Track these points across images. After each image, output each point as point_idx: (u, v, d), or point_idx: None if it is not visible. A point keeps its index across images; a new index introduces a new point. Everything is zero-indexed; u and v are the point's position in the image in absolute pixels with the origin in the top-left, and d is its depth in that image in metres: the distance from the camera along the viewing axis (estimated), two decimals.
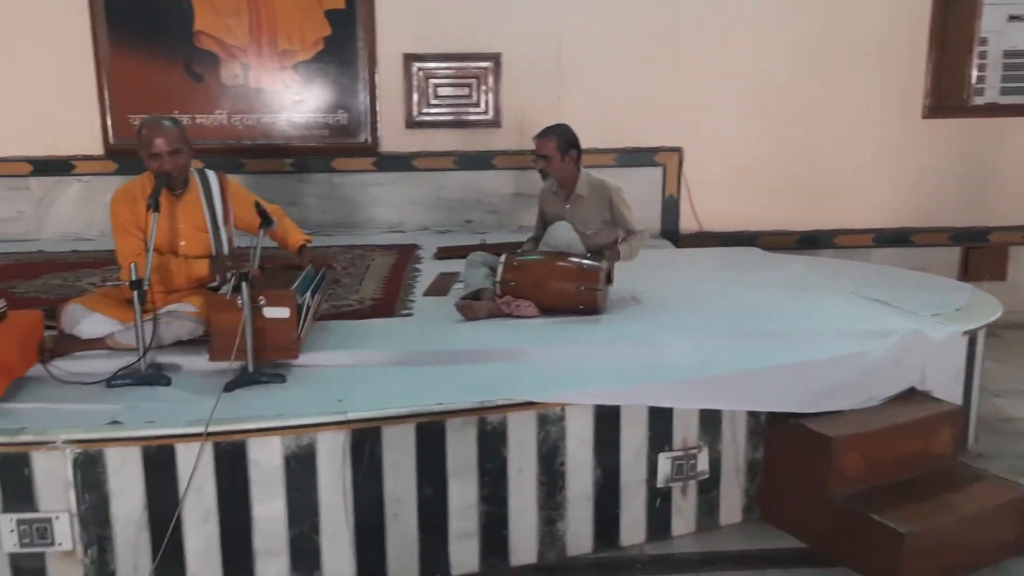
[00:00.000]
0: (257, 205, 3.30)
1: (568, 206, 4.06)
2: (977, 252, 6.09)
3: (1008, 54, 5.88)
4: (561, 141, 3.98)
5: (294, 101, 5.90)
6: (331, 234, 5.86)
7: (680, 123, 5.88)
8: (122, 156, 5.66)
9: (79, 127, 5.74)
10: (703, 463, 3.14)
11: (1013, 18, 5.84)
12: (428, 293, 4.20)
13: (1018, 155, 6.06)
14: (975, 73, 5.83)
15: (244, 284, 2.88)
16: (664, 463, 3.08)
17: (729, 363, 3.15)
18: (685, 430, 3.10)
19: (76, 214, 5.82)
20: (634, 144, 5.90)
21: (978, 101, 5.91)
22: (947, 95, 5.93)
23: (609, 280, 3.74)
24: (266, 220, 3.28)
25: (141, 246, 3.20)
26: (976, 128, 5.99)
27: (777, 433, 3.18)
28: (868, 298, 3.97)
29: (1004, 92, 5.93)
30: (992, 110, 5.94)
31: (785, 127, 5.92)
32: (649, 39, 5.80)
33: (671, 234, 5.98)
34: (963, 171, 6.05)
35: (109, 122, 5.79)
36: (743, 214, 5.94)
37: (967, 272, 6.00)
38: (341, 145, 5.94)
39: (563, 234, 3.84)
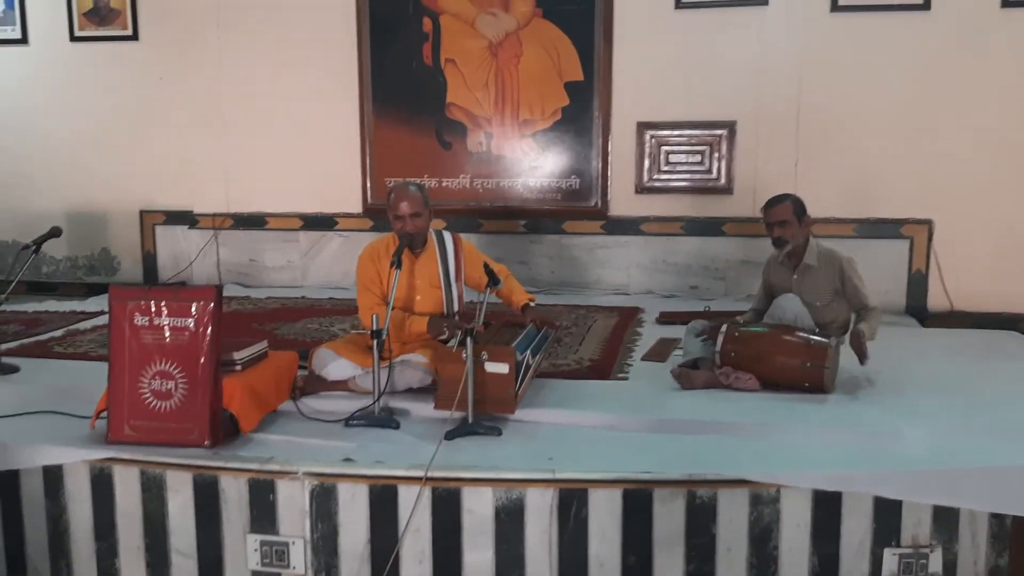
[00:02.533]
0: (486, 265, 3.51)
1: (796, 277, 3.92)
2: None
3: None
4: (795, 205, 3.88)
5: (531, 167, 6.21)
6: (558, 293, 6.05)
7: (930, 192, 5.51)
8: (377, 215, 6.23)
9: (343, 188, 6.41)
10: (936, 564, 2.86)
11: None
12: (646, 358, 4.20)
13: None
14: None
15: (469, 339, 3.06)
16: (890, 559, 2.84)
17: (971, 457, 2.86)
18: (915, 526, 2.84)
19: (335, 265, 6.46)
20: (878, 215, 5.60)
21: None
22: None
23: (862, 358, 3.58)
24: (493, 279, 3.48)
25: (377, 301, 3.52)
26: None
27: None
28: None
29: None
30: None
31: None
32: (896, 102, 5.53)
33: (917, 311, 5.55)
34: None
35: (368, 184, 6.40)
36: (1002, 293, 5.40)
37: None
38: (572, 208, 6.16)
39: (791, 306, 3.71)
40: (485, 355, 3.05)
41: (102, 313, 5.24)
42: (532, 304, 3.83)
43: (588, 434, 3.16)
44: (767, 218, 3.94)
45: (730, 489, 2.80)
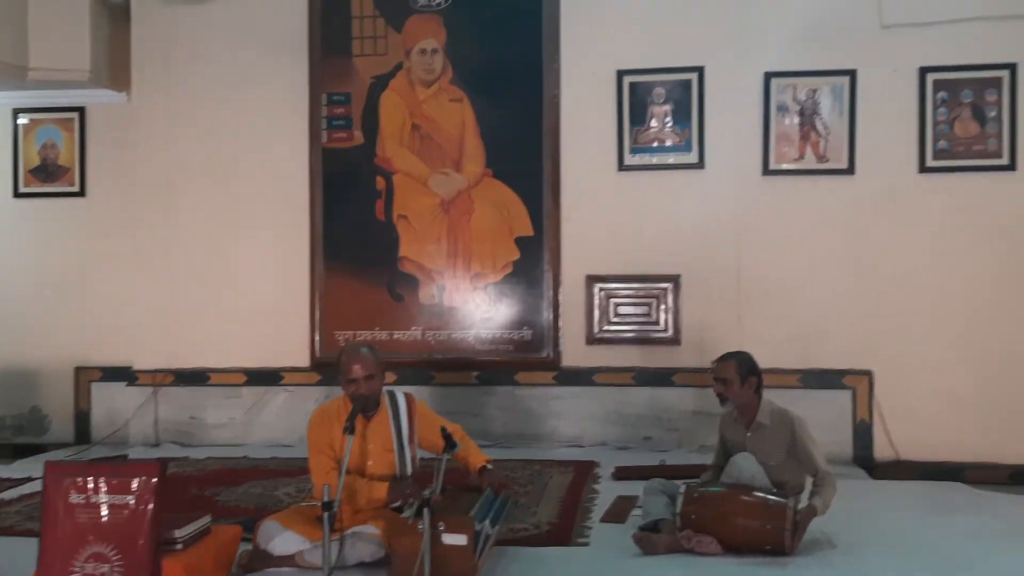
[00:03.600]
0: (443, 430, 3.44)
1: (749, 434, 3.92)
2: None
3: None
4: (741, 366, 3.91)
5: (483, 318, 6.25)
6: (511, 446, 5.95)
7: (871, 344, 5.67)
8: (325, 369, 6.13)
9: (291, 341, 6.32)
10: None
11: None
12: (605, 519, 4.11)
13: None
14: None
15: (426, 510, 2.95)
16: None
17: None
18: None
19: (280, 422, 6.27)
20: (820, 365, 5.72)
21: None
22: None
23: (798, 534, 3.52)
24: (450, 444, 3.40)
25: (331, 464, 3.40)
26: None
27: None
28: None
29: None
30: None
31: (987, 348, 5.56)
32: (832, 262, 5.76)
33: (864, 461, 5.59)
34: None
35: (318, 338, 6.33)
36: (946, 442, 5.46)
37: None
38: (525, 360, 6.16)
39: (747, 466, 3.68)
40: (443, 526, 2.94)
41: (30, 479, 4.97)
42: (489, 467, 3.73)
43: None
44: (713, 373, 3.99)
45: None
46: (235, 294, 6.37)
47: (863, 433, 5.67)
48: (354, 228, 6.33)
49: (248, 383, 6.37)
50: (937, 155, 5.68)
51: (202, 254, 6.41)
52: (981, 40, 5.63)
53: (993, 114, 5.64)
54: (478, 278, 6.26)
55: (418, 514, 2.97)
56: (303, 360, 6.34)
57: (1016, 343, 5.55)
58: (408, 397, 3.71)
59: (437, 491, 3.13)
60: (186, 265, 6.41)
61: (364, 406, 3.50)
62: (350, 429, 3.30)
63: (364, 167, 6.33)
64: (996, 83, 5.63)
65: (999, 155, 5.62)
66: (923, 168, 5.71)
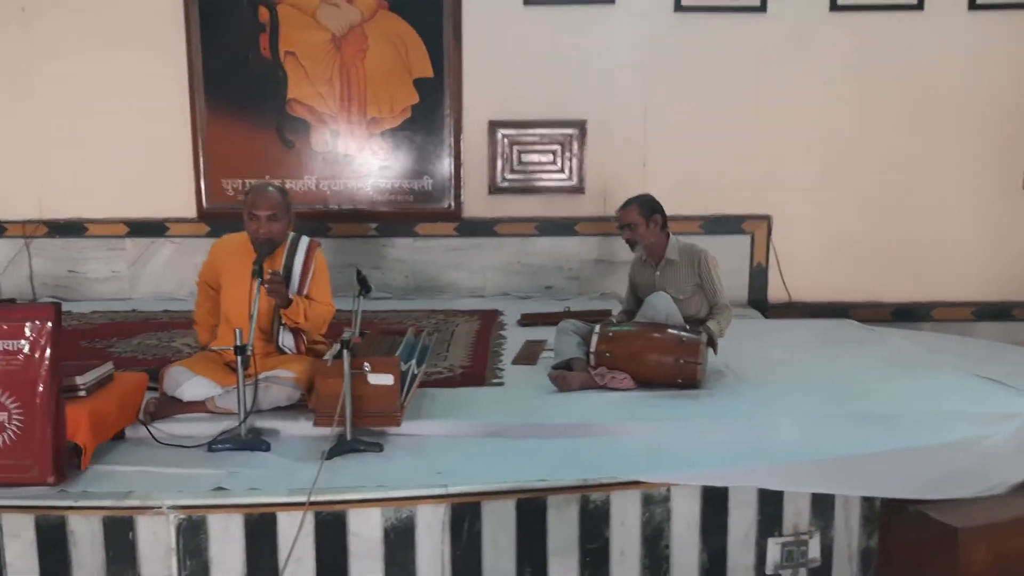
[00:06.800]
0: (358, 272, 3.31)
1: (658, 273, 4.00)
2: None
3: None
4: (643, 207, 3.98)
5: (380, 167, 6.00)
6: (412, 298, 5.88)
7: (769, 190, 5.81)
8: (214, 219, 5.81)
9: (174, 191, 5.91)
10: (814, 550, 2.98)
11: None
12: (517, 361, 4.15)
13: None
14: None
15: (345, 350, 2.87)
16: (773, 549, 2.93)
17: (842, 445, 3.00)
18: (796, 515, 2.94)
19: (168, 275, 5.96)
20: (721, 211, 5.84)
21: None
22: None
23: (713, 349, 3.66)
24: (365, 286, 3.29)
25: (206, 302, 3.50)
26: None
27: (894, 521, 3.01)
28: (982, 376, 3.77)
29: None
30: None
31: (878, 193, 5.81)
32: (737, 106, 5.78)
33: (759, 303, 5.85)
34: None
35: (203, 186, 5.95)
36: (835, 284, 5.79)
37: None
38: (425, 210, 6.01)
39: (663, 304, 3.76)
40: (368, 367, 2.87)
41: None
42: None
43: (474, 444, 3.06)
44: (618, 221, 4.05)
45: (622, 491, 2.79)
46: (108, 138, 5.85)
47: (758, 276, 5.90)
48: (237, 65, 5.84)
49: (131, 234, 5.98)
50: None
51: (68, 93, 5.81)
52: None
53: None
54: (374, 123, 5.97)
55: (338, 356, 2.89)
56: (189, 211, 5.97)
57: (905, 188, 5.80)
58: (311, 243, 3.52)
59: (356, 335, 3.05)
60: (50, 103, 5.81)
61: (272, 251, 3.33)
62: (258, 273, 3.15)
63: None
64: None
65: None
66: (833, 6, 5.69)
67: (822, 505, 2.96)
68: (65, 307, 5.44)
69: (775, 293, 5.89)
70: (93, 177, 5.89)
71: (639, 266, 4.14)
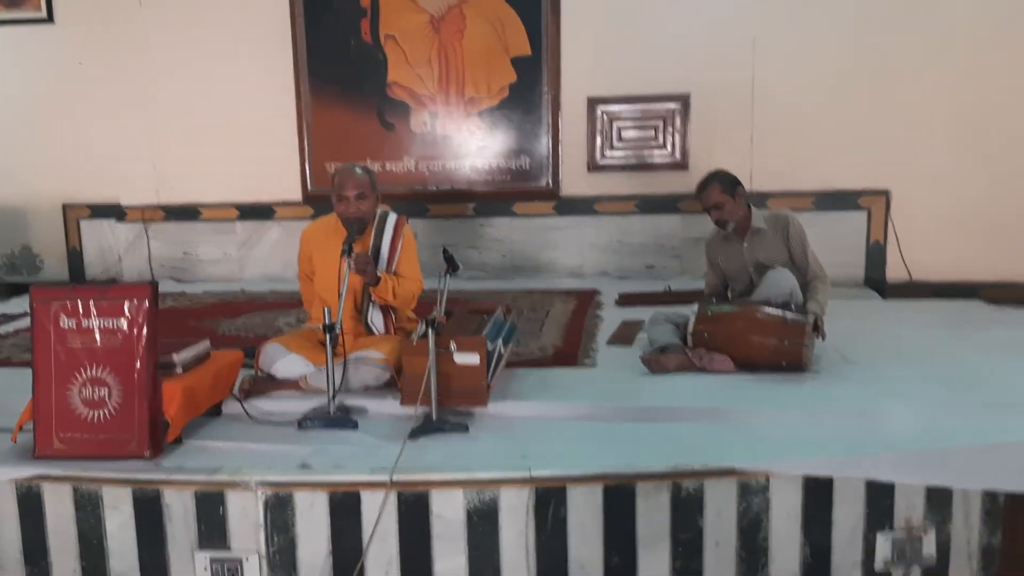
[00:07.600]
0: (444, 250, 3.27)
1: (746, 245, 3.82)
2: None
3: None
4: (724, 184, 3.82)
5: (478, 147, 5.97)
6: (510, 278, 5.84)
7: (887, 162, 5.45)
8: (318, 202, 5.92)
9: (281, 175, 6.08)
10: (929, 546, 2.75)
11: None
12: (612, 342, 4.03)
13: None
14: None
15: (431, 330, 2.84)
16: (883, 544, 2.72)
17: (961, 435, 2.76)
18: (909, 509, 2.72)
19: (274, 256, 6.13)
20: (835, 186, 5.51)
21: None
22: None
23: (821, 336, 3.46)
24: (452, 265, 3.25)
25: (307, 283, 3.56)
26: None
27: (1019, 518, 2.74)
28: None
29: None
30: None
31: (1010, 160, 5.34)
32: (851, 74, 5.43)
33: (877, 283, 5.49)
34: None
35: (308, 170, 6.08)
36: (962, 262, 5.36)
37: None
38: (523, 189, 5.95)
39: (786, 281, 3.55)
40: (454, 345, 2.84)
41: (24, 315, 4.85)
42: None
43: (562, 426, 2.97)
44: (702, 204, 3.88)
45: (717, 480, 2.64)
46: (220, 125, 6.06)
47: (876, 255, 5.55)
48: (339, 51, 5.93)
49: (241, 218, 6.19)
50: None
51: (180, 82, 6.05)
52: None
53: None
54: (472, 103, 5.94)
55: (424, 336, 2.86)
56: (295, 194, 6.12)
57: None
58: (399, 220, 3.52)
59: (441, 313, 3.03)
60: (165, 94, 6.06)
61: (362, 231, 3.38)
62: (348, 251, 3.17)
63: None
64: None
65: None
66: None
67: (938, 499, 2.73)
68: (179, 288, 5.84)
69: (894, 272, 5.53)
70: (206, 163, 6.12)
71: (718, 243, 3.99)
